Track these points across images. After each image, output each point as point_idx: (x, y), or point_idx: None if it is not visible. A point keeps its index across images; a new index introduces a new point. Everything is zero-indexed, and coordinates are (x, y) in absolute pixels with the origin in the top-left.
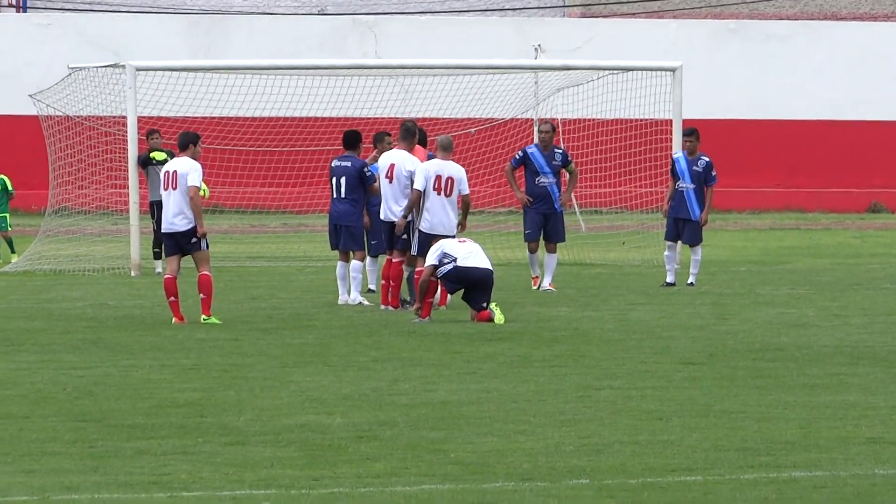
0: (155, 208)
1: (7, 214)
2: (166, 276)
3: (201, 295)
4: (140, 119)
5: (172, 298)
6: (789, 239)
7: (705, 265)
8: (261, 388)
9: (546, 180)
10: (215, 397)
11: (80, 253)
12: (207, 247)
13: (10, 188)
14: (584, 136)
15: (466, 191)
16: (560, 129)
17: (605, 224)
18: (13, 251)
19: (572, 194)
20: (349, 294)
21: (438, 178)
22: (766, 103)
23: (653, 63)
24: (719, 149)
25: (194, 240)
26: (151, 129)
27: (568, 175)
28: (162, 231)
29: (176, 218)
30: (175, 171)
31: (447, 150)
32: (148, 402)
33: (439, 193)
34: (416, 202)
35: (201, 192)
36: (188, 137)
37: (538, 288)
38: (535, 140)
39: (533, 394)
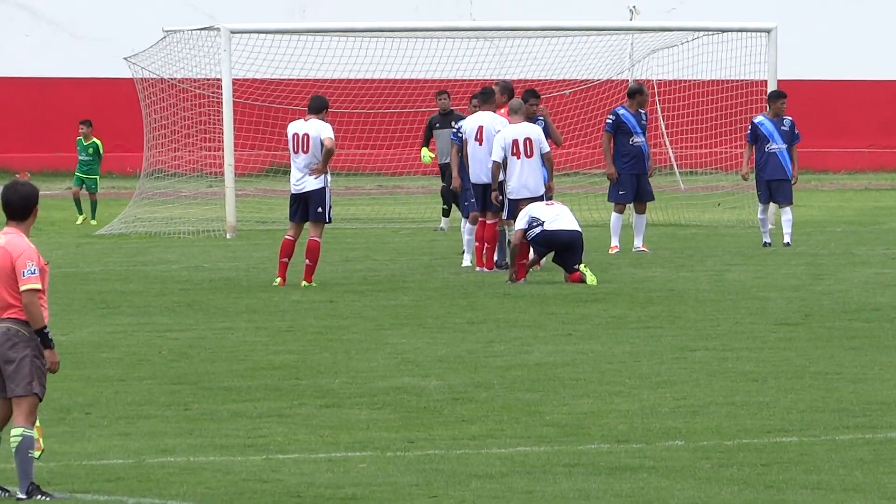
0: (443, 171)
1: (98, 177)
2: (286, 237)
3: (307, 261)
4: (234, 81)
5: (285, 259)
6: (885, 199)
7: (801, 225)
8: (356, 351)
9: (639, 139)
10: (310, 359)
11: (175, 215)
12: (330, 220)
13: (101, 152)
14: (679, 97)
15: (547, 149)
16: (655, 90)
17: (700, 185)
18: (94, 217)
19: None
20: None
21: (515, 142)
22: (860, 63)
23: (748, 24)
24: (813, 110)
25: (320, 209)
26: (442, 90)
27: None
28: (292, 193)
29: (305, 179)
30: (307, 134)
31: (518, 113)
32: (243, 364)
33: (518, 157)
34: (497, 174)
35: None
36: (323, 102)
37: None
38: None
39: (628, 355)
